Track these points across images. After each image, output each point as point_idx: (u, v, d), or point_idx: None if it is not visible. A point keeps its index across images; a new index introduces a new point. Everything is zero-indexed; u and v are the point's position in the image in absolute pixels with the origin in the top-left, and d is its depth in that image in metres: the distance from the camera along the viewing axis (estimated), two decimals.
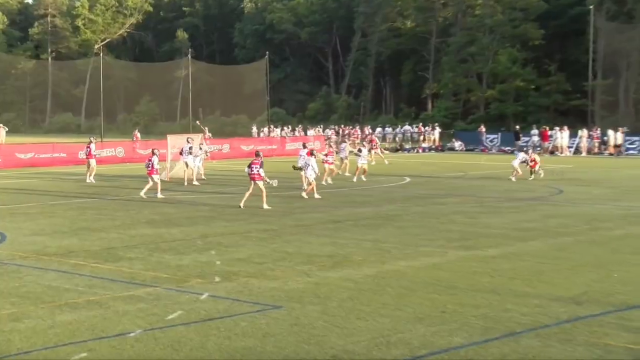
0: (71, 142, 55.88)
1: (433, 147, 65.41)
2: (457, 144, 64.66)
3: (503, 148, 60.77)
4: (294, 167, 31.43)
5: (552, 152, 57.31)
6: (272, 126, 73.08)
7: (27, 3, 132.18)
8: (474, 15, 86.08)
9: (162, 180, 34.82)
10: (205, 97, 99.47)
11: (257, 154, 25.72)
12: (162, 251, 17.20)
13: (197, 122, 54.15)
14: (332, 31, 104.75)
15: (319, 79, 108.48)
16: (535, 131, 60.12)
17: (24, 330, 10.96)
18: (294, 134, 68.31)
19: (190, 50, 74.12)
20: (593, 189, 31.56)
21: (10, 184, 35.13)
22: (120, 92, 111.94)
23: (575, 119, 77.23)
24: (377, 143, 50.55)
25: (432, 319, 11.47)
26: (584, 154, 57.00)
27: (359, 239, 18.74)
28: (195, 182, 33.42)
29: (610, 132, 57.34)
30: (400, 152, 63.27)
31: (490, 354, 9.95)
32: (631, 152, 56.35)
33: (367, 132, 67.62)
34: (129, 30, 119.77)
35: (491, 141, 64.20)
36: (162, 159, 37.84)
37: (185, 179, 33.83)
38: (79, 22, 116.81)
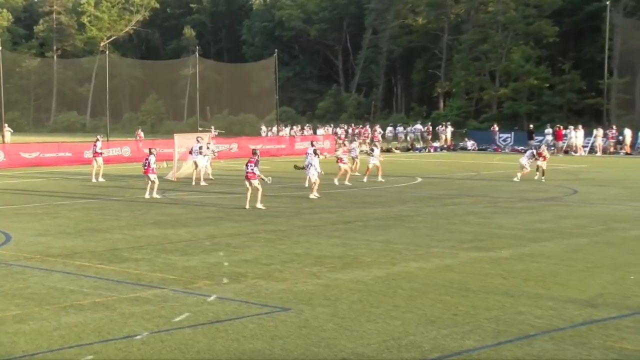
0: (76, 141, 56.03)
1: (445, 146, 65.34)
2: (470, 144, 64.60)
3: (516, 147, 60.61)
4: (295, 167, 31.48)
5: (566, 152, 57.20)
6: (281, 125, 73.07)
7: (32, 0, 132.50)
8: (487, 11, 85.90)
9: (169, 181, 35.10)
10: (213, 95, 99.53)
11: (254, 152, 25.75)
12: (169, 252, 17.22)
13: (200, 129, 54.05)
14: (342, 28, 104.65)
15: (328, 77, 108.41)
16: (549, 130, 59.97)
17: (29, 332, 10.99)
18: (302, 133, 68.29)
19: (197, 47, 74.07)
20: (608, 189, 31.46)
21: (15, 184, 35.24)
22: (126, 91, 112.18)
23: (590, 118, 77.06)
24: (380, 141, 50.50)
25: (443, 322, 11.45)
26: (599, 153, 56.85)
27: (369, 240, 18.73)
28: (202, 182, 33.46)
29: (627, 131, 57.20)
30: (411, 151, 63.26)
31: (503, 357, 9.93)
32: None
33: (368, 132, 67.62)
34: (135, 27, 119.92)
35: (504, 140, 64.10)
36: (169, 158, 38.01)
37: (194, 178, 33.89)
38: (85, 19, 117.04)
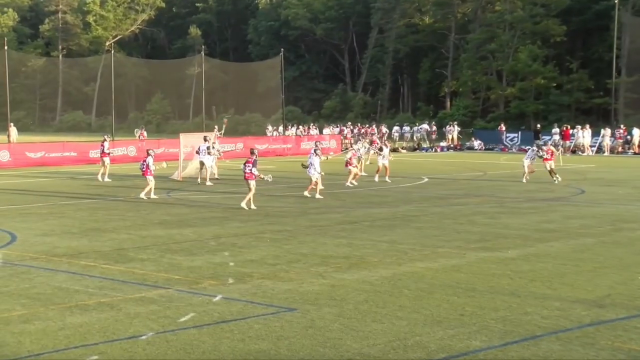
0: (82, 140, 56.13)
1: (451, 146, 65.28)
2: (476, 143, 64.54)
3: (523, 147, 60.34)
4: (303, 165, 31.51)
5: (573, 152, 57.12)
6: (288, 125, 73.03)
7: (38, 0, 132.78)
8: (494, 11, 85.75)
9: (174, 180, 35.17)
10: (219, 95, 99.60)
11: (252, 152, 25.74)
12: (174, 252, 17.24)
13: (225, 120, 53.85)
14: (349, 27, 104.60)
15: (334, 77, 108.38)
16: (556, 130, 59.86)
17: (34, 332, 11.02)
18: (308, 132, 68.28)
19: (203, 47, 74.21)
20: (616, 189, 31.40)
21: (20, 184, 35.31)
22: (131, 90, 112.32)
23: (598, 117, 76.98)
24: (378, 144, 50.41)
25: (450, 322, 11.45)
26: (606, 153, 56.76)
27: (376, 240, 18.73)
28: (208, 182, 33.51)
29: (635, 131, 57.08)
30: (417, 151, 63.24)
31: (509, 358, 9.92)
32: None
33: (374, 131, 67.52)
34: (140, 26, 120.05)
35: (511, 140, 64.02)
36: (175, 158, 38.05)
37: (200, 178, 33.96)
38: (90, 19, 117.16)
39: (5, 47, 51.39)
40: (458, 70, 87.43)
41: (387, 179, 33.84)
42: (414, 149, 64.05)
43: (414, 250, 17.38)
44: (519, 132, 65.68)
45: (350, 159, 33.38)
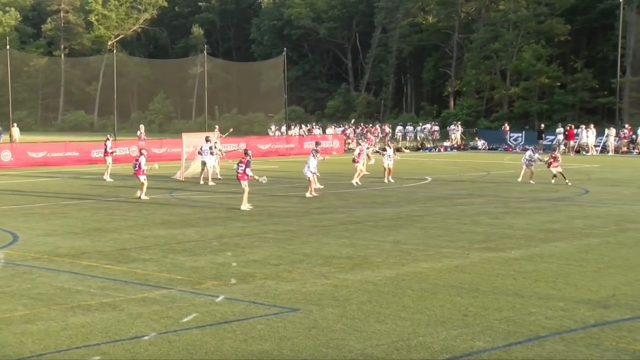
0: (84, 140, 56.16)
1: (455, 146, 65.25)
2: (480, 143, 64.51)
3: (527, 147, 60.31)
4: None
5: (577, 151, 57.07)
6: (292, 124, 73.01)
7: None
8: (498, 10, 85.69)
9: (177, 180, 35.22)
10: (222, 94, 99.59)
11: (245, 152, 25.78)
12: (177, 252, 17.25)
13: (231, 130, 53.57)
14: (352, 27, 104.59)
15: (338, 76, 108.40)
16: (560, 130, 59.81)
17: (37, 332, 11.03)
18: (311, 132, 68.26)
19: (206, 46, 74.22)
20: (621, 189, 31.36)
21: (22, 184, 35.35)
22: (134, 90, 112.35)
23: (603, 117, 76.90)
24: (373, 142, 50.42)
25: (453, 323, 11.45)
26: (611, 153, 56.70)
27: (379, 240, 18.73)
28: (211, 182, 33.54)
29: None
30: (421, 151, 63.22)
31: (513, 359, 9.92)
32: None
33: (378, 131, 67.51)
34: (143, 26, 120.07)
35: (515, 140, 63.98)
36: (178, 158, 38.08)
37: (202, 178, 34.00)
38: (92, 18, 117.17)
39: (7, 47, 51.38)
40: (462, 69, 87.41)
41: (390, 179, 33.69)
42: (417, 149, 64.04)
43: (418, 250, 17.38)
44: (523, 132, 65.63)
45: (358, 155, 33.36)
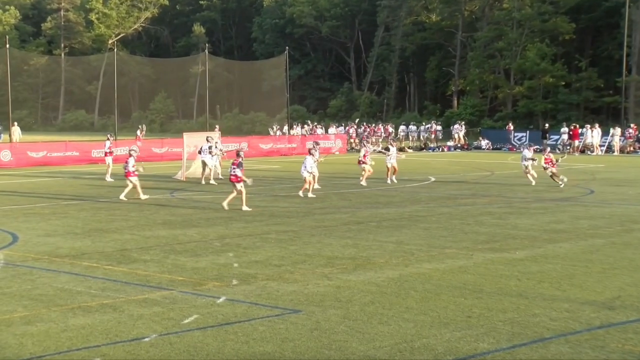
0: (84, 140, 56.19)
1: (458, 145, 65.22)
2: (484, 143, 64.49)
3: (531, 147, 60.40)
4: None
5: (582, 151, 57.03)
6: (294, 124, 72.97)
7: None
8: (502, 8, 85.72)
9: (178, 180, 35.24)
10: (223, 93, 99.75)
11: (237, 154, 25.72)
12: (178, 253, 17.25)
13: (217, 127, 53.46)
14: (355, 25, 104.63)
15: (340, 75, 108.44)
16: (565, 129, 59.77)
17: (37, 334, 11.03)
18: (315, 131, 68.25)
19: (207, 45, 74.21)
20: (626, 189, 31.32)
21: (22, 184, 35.37)
22: (135, 89, 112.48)
23: (608, 116, 76.87)
24: (367, 140, 50.37)
25: (457, 324, 11.44)
26: (616, 153, 56.65)
27: (382, 241, 18.72)
28: (212, 182, 33.56)
29: None
30: (424, 150, 63.20)
31: None
32: None
33: (381, 131, 67.44)
34: (144, 24, 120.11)
35: (519, 140, 63.92)
36: (179, 158, 38.09)
37: (203, 177, 34.02)
38: (93, 17, 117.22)
39: (7, 46, 51.38)
40: (465, 68, 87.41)
41: (392, 179, 33.57)
42: (421, 149, 64.02)
43: (421, 251, 17.37)
44: (527, 132, 65.63)
45: (364, 156, 33.32)
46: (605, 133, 58.51)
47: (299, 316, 11.92)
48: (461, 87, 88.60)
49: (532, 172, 32.84)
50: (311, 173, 28.28)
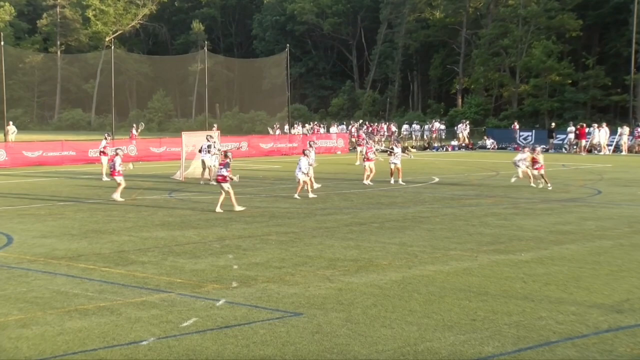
0: (81, 139, 56.23)
1: (463, 145, 65.23)
2: (489, 142, 64.50)
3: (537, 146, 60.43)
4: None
5: (589, 151, 57.02)
6: (297, 123, 72.96)
7: None
8: (507, 5, 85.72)
9: (177, 181, 35.25)
10: (223, 92, 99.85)
11: (225, 155, 25.77)
12: (177, 255, 17.24)
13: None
14: (357, 22, 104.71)
15: (342, 74, 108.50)
16: (571, 128, 59.79)
17: (32, 337, 11.03)
18: (318, 131, 68.28)
19: (206, 42, 74.31)
20: (635, 189, 31.31)
21: (18, 184, 35.39)
22: (132, 87, 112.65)
23: (615, 115, 76.88)
24: (364, 139, 50.41)
25: (461, 327, 11.43)
26: (624, 152, 56.62)
27: (385, 242, 18.71)
28: (212, 182, 33.53)
29: None
30: (428, 150, 63.22)
31: None
32: None
33: (384, 130, 67.45)
34: (142, 21, 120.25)
35: (525, 139, 63.95)
36: (177, 157, 38.11)
37: (202, 177, 34.05)
38: (90, 13, 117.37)
39: (2, 43, 51.41)
40: (470, 66, 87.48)
41: (399, 181, 33.44)
42: (424, 148, 64.03)
43: (425, 252, 17.36)
44: (533, 131, 65.64)
45: (366, 153, 33.33)
46: (613, 132, 58.48)
47: (300, 319, 11.92)
48: (466, 86, 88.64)
49: (524, 172, 32.01)
50: (306, 174, 28.29)
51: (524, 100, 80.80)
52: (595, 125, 59.16)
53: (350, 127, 69.83)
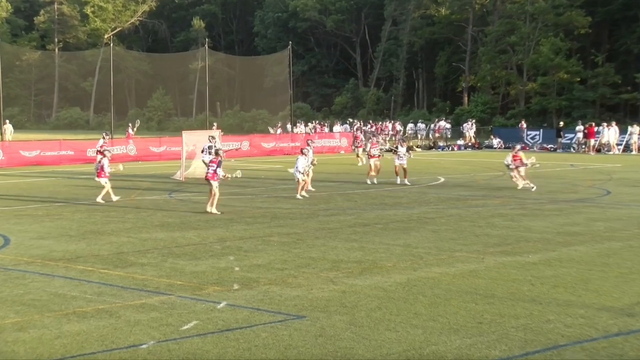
0: (79, 139, 56.27)
1: (469, 144, 65.20)
2: (496, 141, 64.45)
3: (545, 146, 60.49)
4: (312, 164, 31.57)
5: (598, 150, 56.98)
6: (299, 122, 72.95)
7: None
8: (514, 1, 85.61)
9: (177, 181, 35.26)
10: (224, 90, 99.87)
11: (216, 153, 25.85)
12: (177, 256, 17.25)
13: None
14: (361, 19, 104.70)
15: (345, 71, 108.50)
16: (580, 127, 59.74)
17: (30, 340, 11.04)
18: (322, 129, 68.26)
19: (207, 40, 74.28)
20: None
21: (15, 184, 35.41)
22: (131, 86, 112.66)
23: (625, 114, 76.80)
24: (361, 140, 50.40)
25: (468, 330, 11.43)
26: (634, 152, 56.57)
27: (389, 244, 18.71)
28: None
29: None
30: (434, 149, 63.20)
31: None
32: None
33: (388, 129, 67.44)
34: (141, 18, 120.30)
35: (532, 138, 63.94)
36: (177, 157, 38.14)
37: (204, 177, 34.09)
38: (88, 10, 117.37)
39: None
40: (476, 64, 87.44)
41: (406, 181, 33.37)
42: (430, 148, 64.02)
43: (430, 254, 17.36)
44: (541, 130, 65.60)
45: (369, 150, 33.35)
46: (622, 131, 58.44)
47: (302, 322, 11.92)
48: (472, 84, 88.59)
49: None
50: (304, 173, 28.31)
51: (531, 99, 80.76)
52: (605, 124, 59.11)
53: (353, 126, 69.80)
